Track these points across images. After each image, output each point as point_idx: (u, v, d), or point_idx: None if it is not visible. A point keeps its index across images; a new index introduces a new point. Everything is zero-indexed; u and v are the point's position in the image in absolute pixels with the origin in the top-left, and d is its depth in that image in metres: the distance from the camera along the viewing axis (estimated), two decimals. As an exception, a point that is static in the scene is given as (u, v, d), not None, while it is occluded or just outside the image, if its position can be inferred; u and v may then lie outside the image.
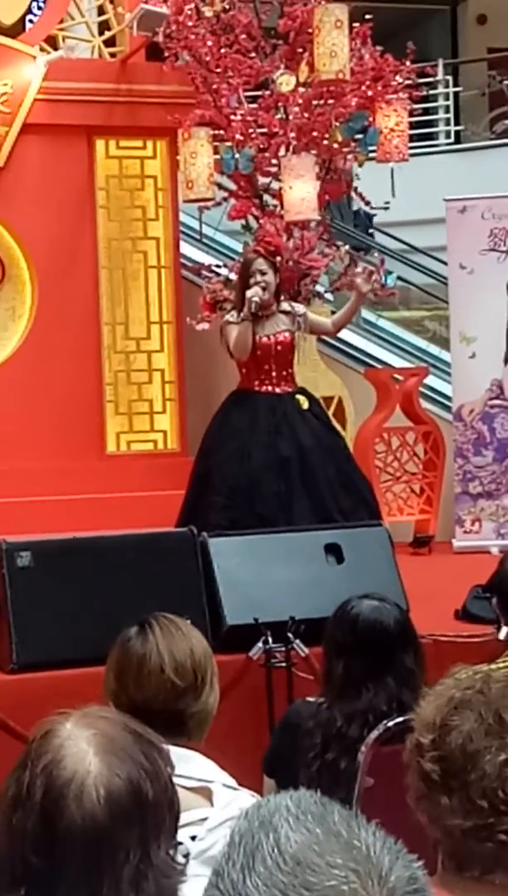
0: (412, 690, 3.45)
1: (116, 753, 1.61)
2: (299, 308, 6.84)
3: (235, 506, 6.34)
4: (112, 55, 9.06)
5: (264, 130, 8.36)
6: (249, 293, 6.46)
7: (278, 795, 1.27)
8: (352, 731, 3.49)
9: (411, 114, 8.83)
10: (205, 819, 2.45)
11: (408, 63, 8.56)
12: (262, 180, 8.54)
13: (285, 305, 6.76)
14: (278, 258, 6.91)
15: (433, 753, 1.91)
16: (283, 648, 5.01)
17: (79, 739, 1.62)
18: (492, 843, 1.83)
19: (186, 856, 1.67)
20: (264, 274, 6.54)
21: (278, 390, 6.69)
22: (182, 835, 1.74)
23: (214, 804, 2.59)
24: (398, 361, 10.19)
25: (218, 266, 8.99)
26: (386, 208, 8.70)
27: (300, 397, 6.75)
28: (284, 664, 5.00)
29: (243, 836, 1.22)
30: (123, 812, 1.57)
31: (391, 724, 3.32)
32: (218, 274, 8.77)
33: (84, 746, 1.61)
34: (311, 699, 3.80)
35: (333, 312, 9.36)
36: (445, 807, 1.87)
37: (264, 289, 6.50)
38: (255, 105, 8.48)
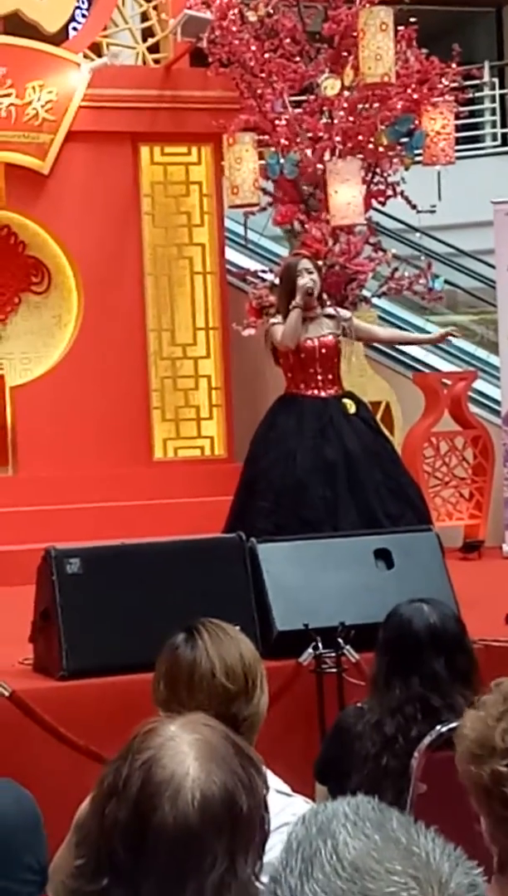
0: (441, 696, 3.45)
1: (215, 761, 1.61)
2: (345, 313, 6.81)
3: (281, 510, 6.31)
4: (156, 61, 9.08)
5: (310, 135, 8.34)
6: (300, 282, 6.47)
7: (336, 801, 1.25)
8: (388, 728, 3.49)
9: (457, 116, 8.80)
10: None
11: (454, 66, 8.53)
12: (307, 185, 8.51)
13: (329, 310, 6.74)
14: (322, 262, 6.90)
15: None
16: (333, 654, 4.98)
17: (181, 742, 1.63)
18: None
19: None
20: (310, 273, 6.56)
21: (323, 394, 6.66)
22: None
23: (269, 812, 2.57)
24: (446, 366, 10.14)
25: (263, 271, 8.98)
26: (433, 211, 8.65)
27: (347, 401, 6.71)
28: (334, 670, 4.96)
29: (300, 843, 1.20)
30: (215, 819, 1.56)
31: (443, 729, 3.28)
32: (264, 279, 8.76)
33: (185, 749, 1.62)
34: (361, 704, 3.79)
35: (380, 317, 9.36)
36: None
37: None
38: (300, 109, 8.47)
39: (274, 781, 2.69)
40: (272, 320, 6.74)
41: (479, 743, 1.92)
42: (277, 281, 8.53)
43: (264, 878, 1.65)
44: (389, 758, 3.47)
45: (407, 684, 3.53)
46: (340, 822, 1.20)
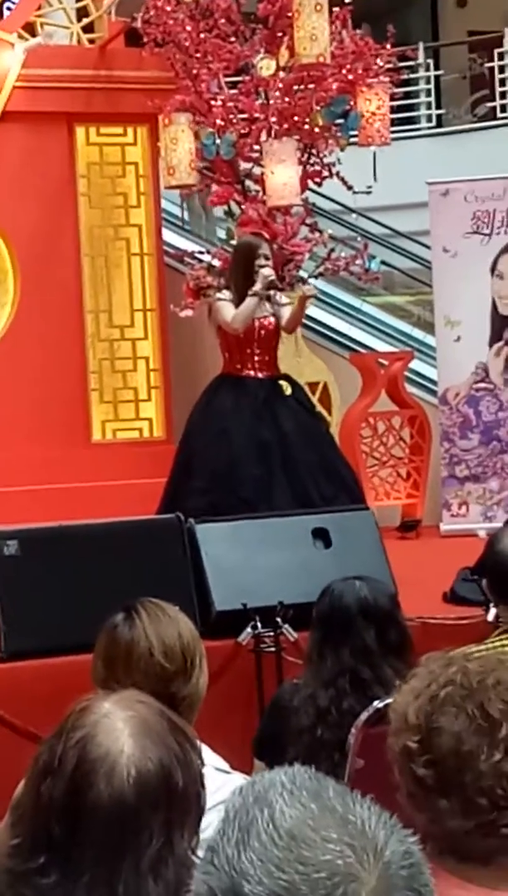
0: (370, 668, 3.51)
1: (150, 737, 1.61)
2: (282, 298, 6.83)
3: (215, 489, 6.33)
4: (91, 41, 9.02)
5: (245, 115, 8.33)
6: (265, 271, 6.51)
7: (273, 771, 1.27)
8: (321, 700, 3.53)
9: (392, 97, 8.82)
10: None
11: (389, 46, 8.55)
12: (244, 165, 8.51)
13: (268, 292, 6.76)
14: (275, 246, 6.95)
15: (425, 758, 1.87)
16: (272, 633, 5.02)
17: (116, 719, 1.63)
18: (495, 837, 1.82)
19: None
20: (268, 259, 6.61)
21: (260, 375, 6.68)
22: None
23: (205, 788, 2.59)
24: (382, 346, 10.18)
25: (201, 252, 8.97)
26: (369, 193, 8.68)
27: (283, 383, 6.74)
28: (273, 649, 5.00)
29: (237, 812, 1.22)
30: (150, 795, 1.57)
31: (380, 705, 3.31)
32: (201, 260, 8.75)
33: (120, 726, 1.62)
34: (296, 680, 3.84)
35: (317, 298, 9.39)
36: (444, 809, 1.84)
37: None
38: (235, 90, 8.46)
39: (213, 759, 2.71)
40: (219, 295, 6.75)
41: (398, 716, 1.95)
42: (214, 262, 8.55)
43: (201, 853, 1.67)
44: (323, 730, 3.51)
45: (338, 656, 3.58)
46: (277, 791, 1.22)
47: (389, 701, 3.22)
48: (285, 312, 6.73)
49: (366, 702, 3.41)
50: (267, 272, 6.54)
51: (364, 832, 1.18)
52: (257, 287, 6.50)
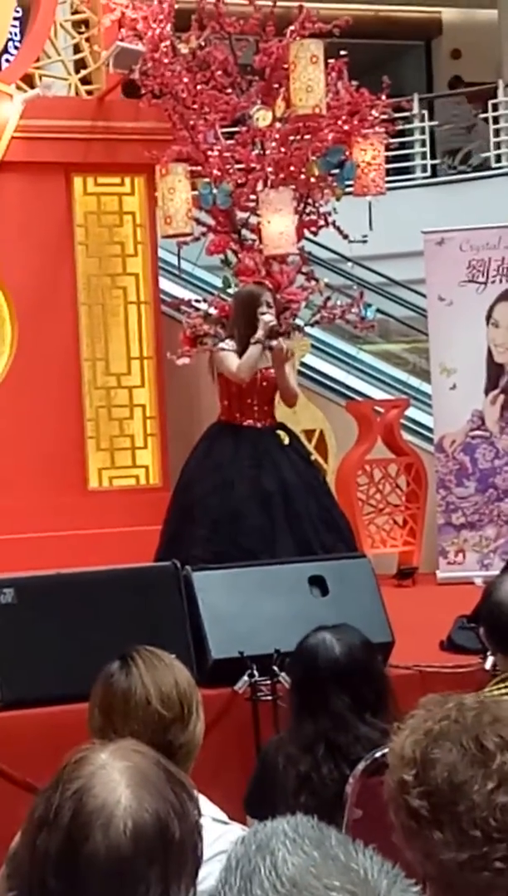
0: (346, 732, 3.47)
1: (147, 788, 1.60)
2: (287, 345, 6.86)
3: (218, 538, 6.33)
4: (89, 93, 9.09)
5: (242, 166, 8.40)
6: (266, 318, 6.53)
7: (275, 820, 1.27)
8: (302, 765, 3.50)
9: (387, 148, 8.89)
10: None
11: (384, 97, 8.62)
12: (240, 215, 8.57)
13: (273, 342, 6.78)
14: (278, 296, 6.98)
15: (419, 789, 1.88)
16: (269, 682, 5.00)
17: (112, 770, 1.62)
18: (488, 871, 1.81)
19: None
20: (270, 307, 6.63)
21: (259, 425, 6.70)
22: None
23: (202, 839, 2.58)
24: (378, 394, 10.21)
25: (197, 301, 9.01)
26: (364, 241, 8.73)
27: (281, 432, 6.76)
28: (270, 697, 4.98)
29: (240, 861, 1.22)
30: (147, 847, 1.56)
31: (377, 754, 3.30)
32: (198, 309, 8.79)
33: (116, 777, 1.61)
34: (282, 734, 3.81)
35: (313, 346, 9.43)
36: (438, 841, 1.84)
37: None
38: (232, 141, 8.53)
39: (211, 809, 2.70)
40: (222, 345, 6.76)
41: (393, 754, 1.95)
42: (211, 310, 8.59)
43: None
44: (307, 796, 3.48)
45: (315, 722, 3.54)
46: (279, 839, 1.22)
47: (386, 750, 3.22)
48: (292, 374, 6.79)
49: (345, 766, 3.39)
50: (268, 318, 6.56)
51: (367, 881, 1.18)
52: (260, 334, 6.52)
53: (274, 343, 6.60)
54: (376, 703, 3.54)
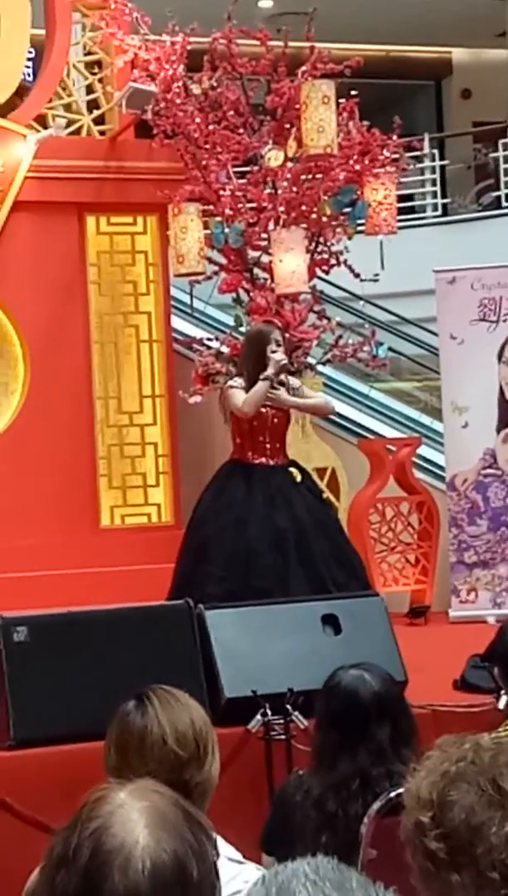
0: (381, 764, 3.46)
1: (166, 828, 1.60)
2: (295, 382, 6.88)
3: (232, 577, 6.32)
4: (101, 133, 9.16)
5: (254, 205, 8.44)
6: (277, 356, 6.56)
7: (296, 861, 1.26)
8: (330, 805, 3.48)
9: (398, 187, 8.93)
10: None
11: (395, 137, 8.67)
12: (252, 254, 8.61)
13: (282, 378, 6.81)
14: (287, 334, 6.99)
15: (437, 832, 1.87)
16: (282, 720, 4.99)
17: (131, 810, 1.62)
18: None
19: None
20: (279, 345, 6.65)
21: (272, 462, 6.71)
22: None
23: (220, 879, 2.57)
24: (390, 432, 10.21)
25: (209, 339, 9.04)
26: (376, 280, 8.76)
27: (293, 470, 6.77)
28: (283, 736, 4.97)
29: None
30: (166, 887, 1.56)
31: (392, 794, 3.29)
32: (210, 347, 8.82)
33: (135, 817, 1.61)
34: (301, 773, 3.80)
35: (325, 384, 9.45)
36: (456, 884, 1.83)
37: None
38: (244, 180, 8.57)
39: (225, 848, 2.69)
40: (231, 382, 6.79)
41: (410, 796, 1.95)
42: (223, 348, 8.62)
43: None
44: (328, 836, 3.46)
45: (354, 759, 3.52)
46: (300, 880, 1.22)
47: (401, 790, 3.20)
48: (306, 392, 6.82)
49: (373, 800, 3.37)
50: (278, 356, 6.59)
51: None
52: (269, 371, 6.55)
53: (279, 390, 6.61)
54: (410, 738, 3.54)
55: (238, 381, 6.69)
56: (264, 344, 6.65)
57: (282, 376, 6.70)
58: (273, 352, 6.59)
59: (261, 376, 6.55)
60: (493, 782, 1.88)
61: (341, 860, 3.36)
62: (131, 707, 2.85)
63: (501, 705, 4.84)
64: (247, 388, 6.60)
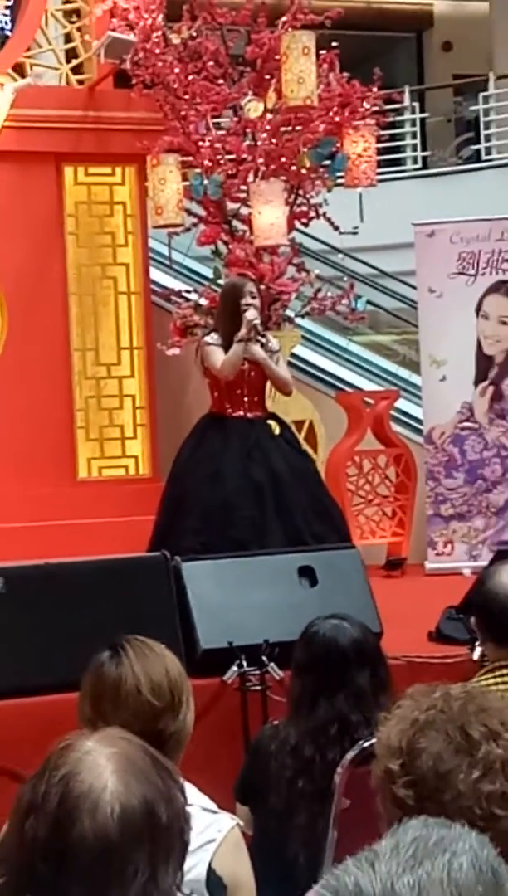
0: (361, 711, 3.49)
1: (133, 773, 1.62)
2: (275, 344, 6.84)
3: (208, 530, 6.34)
4: (80, 82, 9.08)
5: (233, 156, 8.40)
6: (249, 315, 6.52)
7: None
8: (306, 751, 3.52)
9: (378, 139, 8.89)
10: None
11: (375, 89, 8.63)
12: (231, 206, 8.57)
13: (262, 336, 6.79)
14: (262, 286, 6.94)
15: (406, 778, 1.89)
16: (258, 672, 5.01)
17: (99, 755, 1.64)
18: None
19: (191, 894, 1.68)
20: (254, 298, 6.62)
21: (249, 415, 6.70)
22: None
23: (192, 828, 2.59)
24: (368, 385, 10.22)
25: (188, 291, 9.01)
26: (355, 233, 8.74)
27: (272, 423, 6.76)
28: (259, 687, 4.99)
29: None
30: (135, 830, 1.58)
31: (366, 744, 3.32)
32: (188, 299, 8.80)
33: (103, 762, 1.63)
34: (277, 722, 3.83)
35: (304, 337, 9.44)
36: None
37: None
38: (223, 131, 8.52)
39: (200, 798, 2.72)
40: (208, 339, 6.75)
41: (380, 744, 1.97)
42: (201, 301, 8.59)
43: (186, 890, 1.67)
44: (305, 781, 3.50)
45: (333, 703, 3.56)
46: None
47: (374, 740, 3.23)
48: (281, 362, 6.76)
49: (351, 746, 3.40)
50: (250, 315, 6.54)
51: None
52: (242, 333, 6.53)
53: (257, 347, 6.56)
54: (387, 685, 3.58)
55: (215, 338, 6.66)
56: (238, 298, 6.62)
57: (265, 337, 6.68)
58: (246, 308, 6.55)
59: (235, 339, 6.53)
60: (461, 730, 1.90)
61: (316, 806, 3.40)
62: (106, 657, 2.87)
63: (475, 656, 4.87)
64: (223, 345, 6.58)
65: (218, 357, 6.57)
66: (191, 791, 2.72)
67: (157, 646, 2.90)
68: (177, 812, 1.64)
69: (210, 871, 2.60)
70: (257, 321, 6.59)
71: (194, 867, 2.57)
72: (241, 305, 6.56)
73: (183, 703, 2.79)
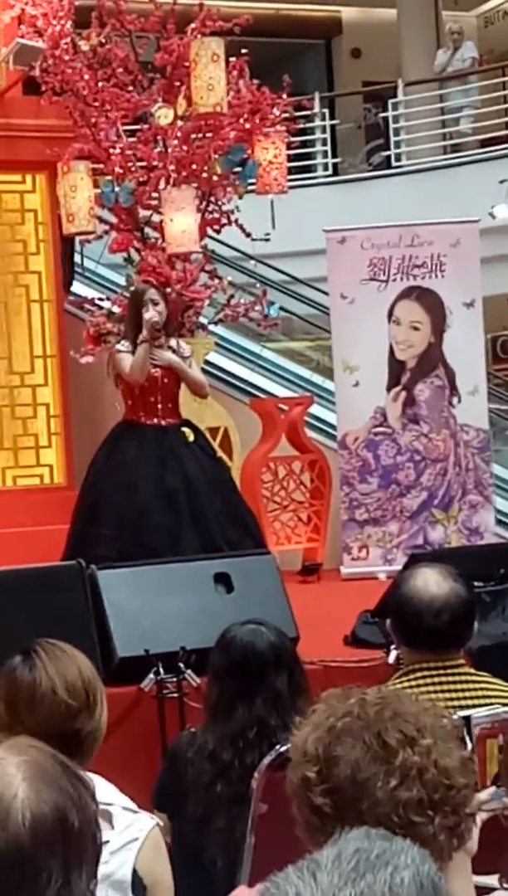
0: (278, 715, 3.51)
1: (44, 780, 1.62)
2: (186, 350, 6.86)
3: (123, 538, 6.33)
4: (-11, 90, 9.01)
5: (144, 164, 8.39)
6: (146, 316, 6.52)
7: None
8: (224, 755, 3.53)
9: (289, 146, 8.94)
10: (107, 842, 2.46)
11: (285, 96, 8.67)
12: (143, 213, 8.56)
13: (172, 342, 6.80)
14: (168, 290, 6.93)
15: (323, 787, 1.89)
16: (175, 679, 5.01)
17: (8, 764, 1.63)
18: None
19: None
20: (155, 304, 6.62)
21: (163, 422, 6.71)
22: None
23: (114, 827, 2.61)
24: (282, 391, 10.26)
25: (101, 299, 8.98)
26: (267, 240, 8.77)
27: (186, 430, 6.77)
28: (176, 695, 4.99)
29: None
30: (47, 837, 1.58)
31: (282, 749, 3.33)
32: (101, 307, 8.77)
33: (13, 771, 1.62)
34: (194, 729, 3.83)
35: (217, 344, 9.45)
36: None
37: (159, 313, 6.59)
38: (134, 138, 8.51)
39: (121, 798, 2.74)
40: (119, 346, 6.76)
41: (296, 750, 1.97)
42: (114, 308, 8.57)
43: (100, 892, 1.67)
44: (223, 786, 3.51)
45: (250, 707, 3.57)
46: None
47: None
48: (194, 366, 6.77)
49: (269, 750, 3.42)
50: (148, 315, 6.55)
51: None
52: (144, 334, 6.54)
53: (169, 353, 6.58)
54: (305, 690, 3.59)
55: (125, 345, 6.68)
56: (140, 306, 6.63)
57: (172, 341, 6.69)
58: (146, 312, 6.56)
59: (138, 341, 6.54)
60: (378, 737, 1.91)
61: (234, 810, 3.40)
62: (18, 661, 2.88)
63: (391, 660, 4.91)
64: (132, 351, 6.59)
65: (127, 363, 6.58)
66: (111, 791, 2.73)
67: (68, 647, 2.93)
68: (89, 818, 1.64)
69: (134, 872, 2.62)
70: (158, 320, 6.57)
71: (120, 868, 2.59)
72: (143, 314, 6.56)
73: (98, 702, 2.83)
